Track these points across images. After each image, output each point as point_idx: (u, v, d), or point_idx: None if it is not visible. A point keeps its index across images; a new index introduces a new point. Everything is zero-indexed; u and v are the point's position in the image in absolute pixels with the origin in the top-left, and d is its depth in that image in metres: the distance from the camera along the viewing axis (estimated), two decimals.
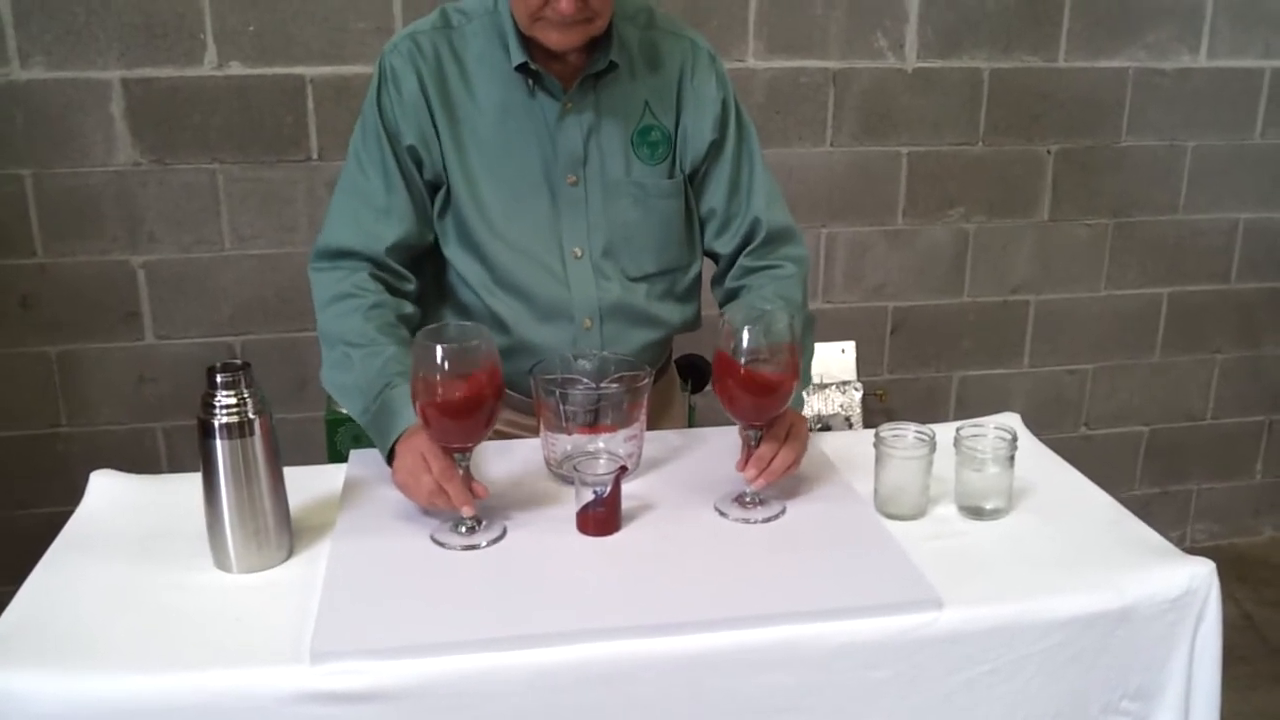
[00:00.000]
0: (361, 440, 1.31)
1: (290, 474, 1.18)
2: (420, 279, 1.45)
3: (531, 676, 1.00)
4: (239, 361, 1.12)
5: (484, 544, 1.17)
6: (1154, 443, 3.00)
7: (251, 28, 2.24)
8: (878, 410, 2.70)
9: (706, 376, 1.84)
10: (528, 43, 1.36)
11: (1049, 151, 2.69)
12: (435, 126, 1.39)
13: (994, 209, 2.71)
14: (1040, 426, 1.57)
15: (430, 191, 1.42)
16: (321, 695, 0.97)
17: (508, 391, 1.46)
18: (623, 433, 1.31)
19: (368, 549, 1.16)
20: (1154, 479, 3.03)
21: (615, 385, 1.32)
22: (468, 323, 1.37)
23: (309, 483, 1.29)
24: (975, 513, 1.26)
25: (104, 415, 2.42)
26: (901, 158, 2.62)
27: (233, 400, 1.10)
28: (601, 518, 1.19)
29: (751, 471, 1.24)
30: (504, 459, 1.37)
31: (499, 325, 1.43)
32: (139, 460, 2.41)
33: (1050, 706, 1.11)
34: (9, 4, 2.14)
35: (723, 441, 1.39)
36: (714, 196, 1.50)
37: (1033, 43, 2.58)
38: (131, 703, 0.95)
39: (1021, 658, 1.09)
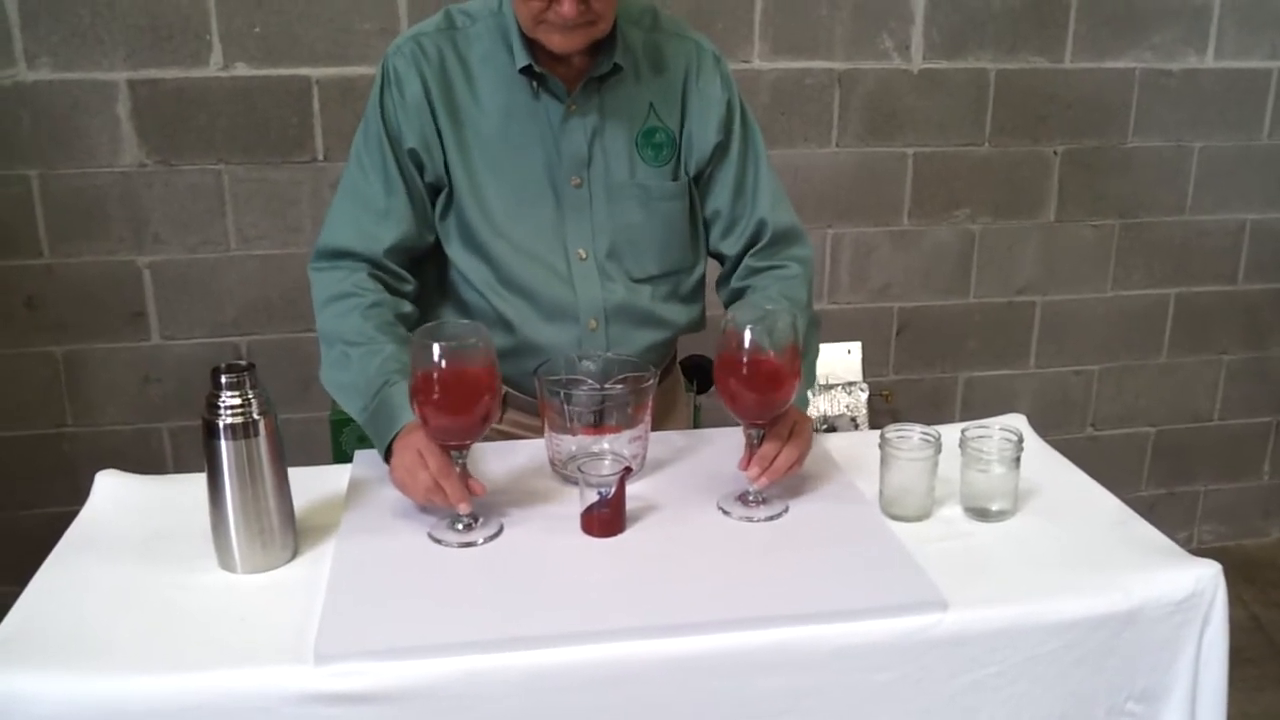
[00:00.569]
0: (366, 441, 1.31)
1: (295, 474, 1.18)
2: (421, 279, 1.46)
3: (536, 677, 1.00)
4: (244, 362, 1.12)
5: (481, 541, 1.17)
6: (1161, 444, 2.99)
7: (257, 29, 2.25)
8: (883, 411, 2.69)
9: (711, 377, 1.83)
10: (532, 45, 1.36)
11: (1055, 152, 2.68)
12: (438, 128, 1.39)
13: (1000, 210, 2.70)
14: (1046, 427, 1.56)
15: (431, 194, 1.42)
16: (326, 696, 0.97)
17: (513, 392, 1.46)
18: (627, 434, 1.31)
19: (372, 550, 1.16)
20: (1161, 480, 3.03)
21: (620, 386, 1.32)
22: (465, 320, 1.37)
23: (314, 483, 1.29)
24: (981, 514, 1.25)
25: (109, 415, 2.42)
26: (907, 159, 2.62)
27: (238, 401, 1.10)
28: (606, 519, 1.19)
29: (754, 470, 1.24)
30: (508, 459, 1.37)
31: (504, 325, 1.43)
32: (144, 460, 2.42)
33: (1055, 708, 1.11)
34: (15, 5, 2.15)
35: (727, 442, 1.39)
36: (719, 198, 1.50)
37: (1039, 44, 2.58)
38: (136, 703, 0.95)
39: (1027, 660, 1.08)
